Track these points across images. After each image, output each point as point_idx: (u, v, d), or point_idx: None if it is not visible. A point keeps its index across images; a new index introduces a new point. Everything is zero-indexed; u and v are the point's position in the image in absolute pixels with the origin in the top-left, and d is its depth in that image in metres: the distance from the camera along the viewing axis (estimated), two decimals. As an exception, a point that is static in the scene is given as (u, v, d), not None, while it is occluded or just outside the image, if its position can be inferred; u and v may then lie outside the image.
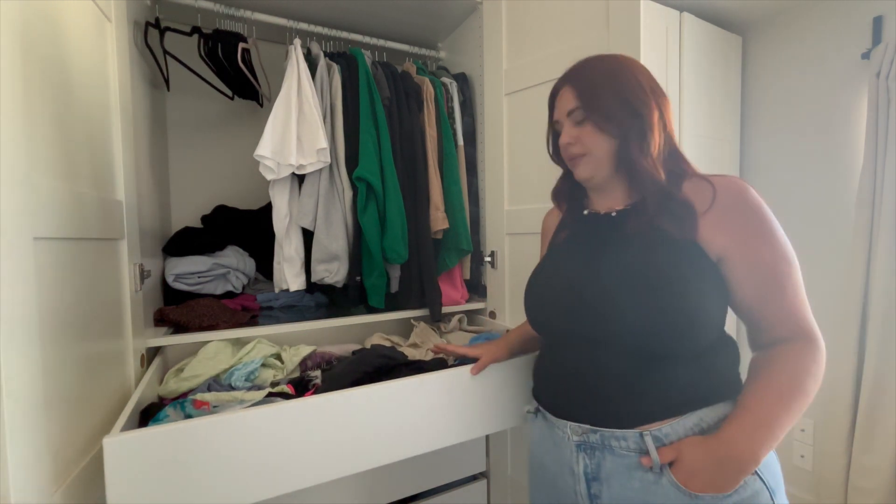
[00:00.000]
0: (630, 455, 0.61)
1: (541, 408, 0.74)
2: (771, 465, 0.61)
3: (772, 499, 0.59)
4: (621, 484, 0.62)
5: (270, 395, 0.93)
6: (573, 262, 0.71)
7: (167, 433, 0.65)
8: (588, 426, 0.64)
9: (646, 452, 0.60)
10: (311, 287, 1.28)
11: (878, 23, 1.21)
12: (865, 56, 1.22)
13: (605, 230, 0.70)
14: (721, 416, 0.61)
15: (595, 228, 0.73)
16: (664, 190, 0.65)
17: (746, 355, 0.67)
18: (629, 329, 0.61)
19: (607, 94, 0.66)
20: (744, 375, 0.65)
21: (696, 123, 1.31)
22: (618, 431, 0.62)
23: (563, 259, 0.74)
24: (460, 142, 1.46)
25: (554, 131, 0.76)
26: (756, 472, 0.58)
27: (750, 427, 0.57)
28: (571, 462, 0.66)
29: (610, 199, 0.72)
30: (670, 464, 0.59)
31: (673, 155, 0.68)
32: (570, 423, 0.66)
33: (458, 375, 0.88)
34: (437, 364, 1.01)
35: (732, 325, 0.70)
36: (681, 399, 0.61)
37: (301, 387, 1.01)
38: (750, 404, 0.59)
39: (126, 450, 0.63)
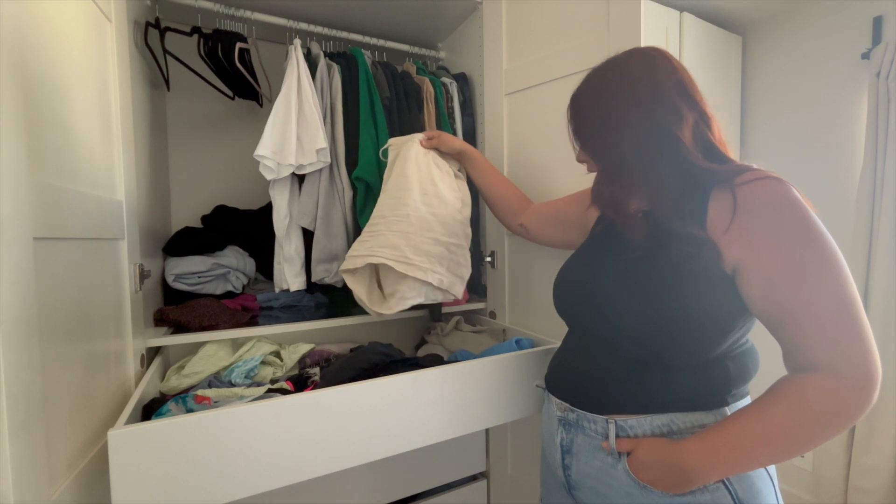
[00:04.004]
0: (596, 437, 0.66)
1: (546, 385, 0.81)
2: (748, 476, 0.59)
3: None
4: (586, 461, 0.68)
5: (270, 391, 0.94)
6: (594, 259, 0.75)
7: (170, 426, 0.66)
8: (568, 405, 0.71)
9: (608, 437, 0.65)
10: (312, 287, 1.28)
11: (878, 23, 1.21)
12: (865, 56, 1.22)
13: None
14: (696, 423, 0.61)
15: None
16: (633, 220, 0.64)
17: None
18: (620, 329, 0.64)
19: (587, 125, 0.69)
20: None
21: (696, 123, 1.31)
22: (589, 415, 0.67)
23: (587, 256, 0.78)
24: (460, 142, 1.46)
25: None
26: (724, 481, 0.58)
27: (711, 445, 0.56)
28: (554, 433, 0.73)
29: (640, 202, 0.71)
30: (629, 453, 0.62)
31: (690, 167, 0.60)
32: (556, 400, 0.74)
33: (454, 371, 0.89)
34: (434, 360, 1.02)
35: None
36: (656, 400, 0.62)
37: (300, 384, 1.02)
38: (728, 424, 0.57)
39: (130, 442, 0.63)
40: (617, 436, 0.64)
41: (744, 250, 0.55)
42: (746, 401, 0.64)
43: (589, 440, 0.67)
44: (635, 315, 0.61)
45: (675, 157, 0.60)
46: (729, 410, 0.61)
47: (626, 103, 0.63)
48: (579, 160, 0.75)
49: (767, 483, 0.60)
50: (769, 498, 0.59)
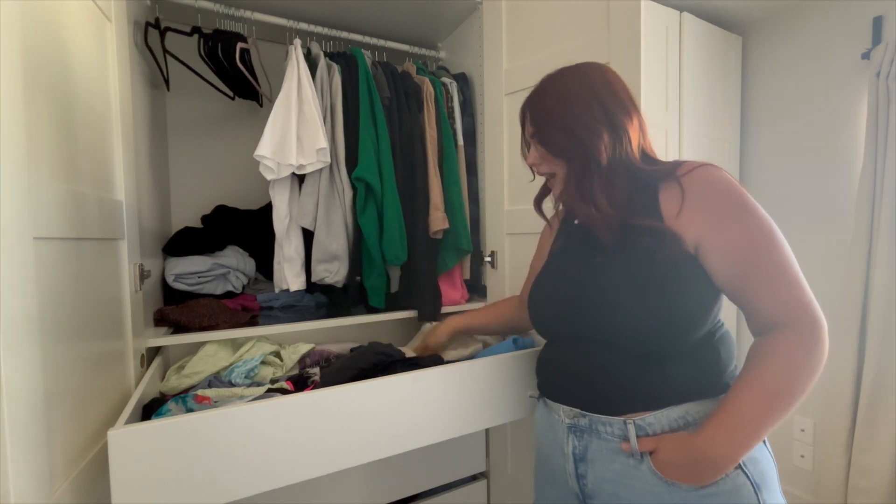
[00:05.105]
0: (614, 440, 0.65)
1: (542, 394, 0.79)
2: (759, 460, 0.61)
3: (756, 494, 0.59)
4: (604, 466, 0.66)
5: (270, 391, 0.94)
6: (570, 268, 0.75)
7: (170, 426, 0.66)
8: (578, 410, 0.69)
9: (628, 439, 0.64)
10: (312, 287, 1.28)
11: (878, 23, 1.21)
12: (865, 56, 1.22)
13: (594, 237, 0.72)
14: (708, 411, 0.62)
15: (587, 235, 0.75)
16: (603, 216, 0.66)
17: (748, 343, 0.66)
18: (627, 328, 0.64)
19: (554, 122, 0.70)
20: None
21: (696, 123, 1.31)
22: (604, 417, 0.66)
23: (562, 266, 0.78)
24: (460, 142, 1.47)
25: (527, 144, 0.79)
26: (740, 466, 0.59)
27: (728, 428, 0.58)
28: (563, 443, 0.71)
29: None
30: (651, 452, 0.62)
31: (635, 169, 0.67)
32: (563, 407, 0.71)
33: (454, 371, 0.89)
34: (434, 361, 1.02)
35: (733, 318, 0.70)
36: (666, 393, 0.63)
37: (300, 384, 1.02)
38: (731, 403, 0.59)
39: (130, 442, 0.63)
40: (636, 436, 0.63)
41: (699, 229, 0.61)
42: None
43: (605, 444, 0.66)
44: (636, 311, 0.62)
45: (630, 156, 0.67)
46: None
47: (589, 104, 0.67)
48: (533, 163, 0.76)
49: (772, 466, 0.63)
50: (774, 480, 0.63)
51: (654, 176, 0.66)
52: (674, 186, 0.64)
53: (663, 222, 0.63)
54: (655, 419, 0.63)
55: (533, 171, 0.79)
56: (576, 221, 0.79)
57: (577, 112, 0.67)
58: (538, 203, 0.85)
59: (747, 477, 0.59)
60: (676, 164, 0.66)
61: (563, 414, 0.71)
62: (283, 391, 0.95)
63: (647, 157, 0.69)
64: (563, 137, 0.69)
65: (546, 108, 0.71)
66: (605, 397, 0.66)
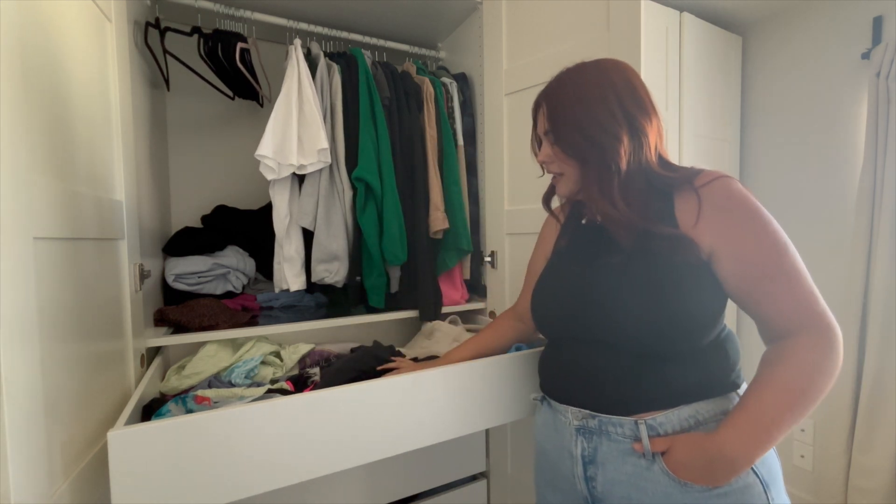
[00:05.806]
0: (625, 441, 0.64)
1: (546, 396, 0.77)
2: (766, 459, 0.61)
3: (765, 493, 0.59)
4: (615, 468, 0.65)
5: (270, 391, 0.94)
6: (575, 268, 0.74)
7: (170, 427, 0.66)
8: (588, 412, 0.68)
9: (639, 439, 0.63)
10: (312, 287, 1.29)
11: (878, 23, 1.21)
12: (865, 56, 1.22)
13: (602, 237, 0.72)
14: (718, 410, 0.63)
15: (593, 235, 0.74)
16: (626, 219, 0.64)
17: (760, 349, 0.65)
18: (629, 330, 0.63)
19: (570, 122, 0.67)
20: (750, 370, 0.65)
21: (696, 123, 1.31)
22: (615, 418, 0.65)
23: (566, 266, 0.77)
24: (460, 142, 1.47)
25: (538, 140, 0.77)
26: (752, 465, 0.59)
27: (745, 429, 0.58)
28: (570, 445, 0.69)
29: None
30: (663, 453, 0.61)
31: (652, 174, 0.66)
32: (571, 408, 0.70)
33: (454, 371, 0.89)
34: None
35: (733, 319, 0.70)
36: (676, 393, 0.63)
37: (300, 384, 1.02)
38: (749, 405, 0.59)
39: (130, 443, 0.63)
40: (648, 436, 0.62)
41: (715, 237, 0.62)
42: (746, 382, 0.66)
43: (616, 445, 0.65)
44: (637, 311, 0.62)
45: (648, 161, 0.66)
46: (740, 392, 0.65)
47: (610, 105, 0.65)
48: (544, 160, 0.73)
49: (777, 465, 0.64)
50: (780, 478, 0.63)
51: (669, 182, 0.65)
52: (691, 196, 0.63)
53: (679, 230, 0.63)
54: (666, 419, 0.62)
55: (543, 168, 0.77)
56: (583, 221, 0.78)
57: (595, 113, 0.65)
58: (547, 201, 0.84)
59: (757, 476, 0.59)
60: (694, 173, 0.65)
61: (571, 416, 0.69)
62: (283, 391, 0.95)
63: (664, 161, 0.68)
64: (579, 138, 0.67)
65: (563, 107, 0.68)
66: (615, 399, 0.65)
